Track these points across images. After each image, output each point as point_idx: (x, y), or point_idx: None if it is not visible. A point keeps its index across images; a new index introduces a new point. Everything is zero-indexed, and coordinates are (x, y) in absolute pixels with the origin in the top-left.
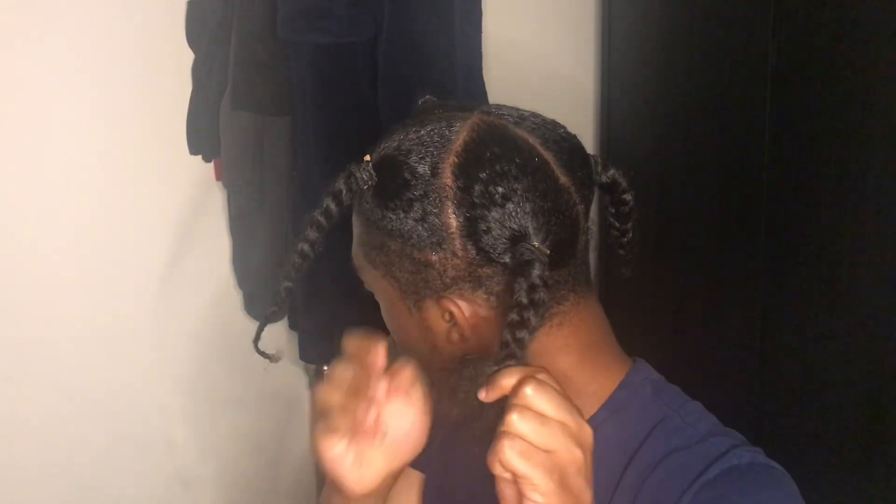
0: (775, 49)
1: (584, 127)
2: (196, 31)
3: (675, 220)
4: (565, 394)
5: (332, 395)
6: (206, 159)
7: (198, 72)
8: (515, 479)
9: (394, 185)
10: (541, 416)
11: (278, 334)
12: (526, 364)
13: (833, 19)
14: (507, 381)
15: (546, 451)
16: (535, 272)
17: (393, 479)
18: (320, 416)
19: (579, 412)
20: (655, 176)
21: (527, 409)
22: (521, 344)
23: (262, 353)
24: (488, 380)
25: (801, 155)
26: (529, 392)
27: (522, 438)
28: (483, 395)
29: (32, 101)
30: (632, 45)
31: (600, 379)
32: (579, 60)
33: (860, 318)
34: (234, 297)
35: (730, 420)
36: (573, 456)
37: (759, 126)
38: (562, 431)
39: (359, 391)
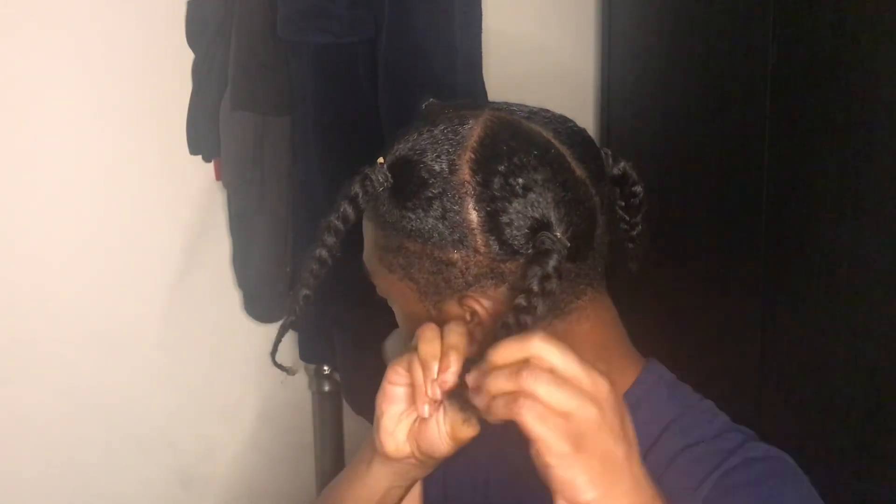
0: (775, 49)
1: (583, 125)
2: (196, 31)
3: (674, 220)
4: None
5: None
6: (206, 159)
7: (198, 72)
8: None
9: (411, 184)
10: (553, 375)
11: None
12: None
13: (833, 19)
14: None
15: (562, 414)
16: (552, 262)
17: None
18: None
19: (591, 366)
20: (655, 175)
21: (538, 367)
22: (523, 328)
23: (280, 366)
24: (488, 357)
25: (801, 155)
26: (538, 345)
27: (537, 399)
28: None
29: (32, 101)
30: (632, 44)
31: (616, 377)
32: (579, 59)
33: (860, 317)
34: (234, 297)
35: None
36: (587, 414)
37: (759, 126)
38: (575, 391)
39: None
